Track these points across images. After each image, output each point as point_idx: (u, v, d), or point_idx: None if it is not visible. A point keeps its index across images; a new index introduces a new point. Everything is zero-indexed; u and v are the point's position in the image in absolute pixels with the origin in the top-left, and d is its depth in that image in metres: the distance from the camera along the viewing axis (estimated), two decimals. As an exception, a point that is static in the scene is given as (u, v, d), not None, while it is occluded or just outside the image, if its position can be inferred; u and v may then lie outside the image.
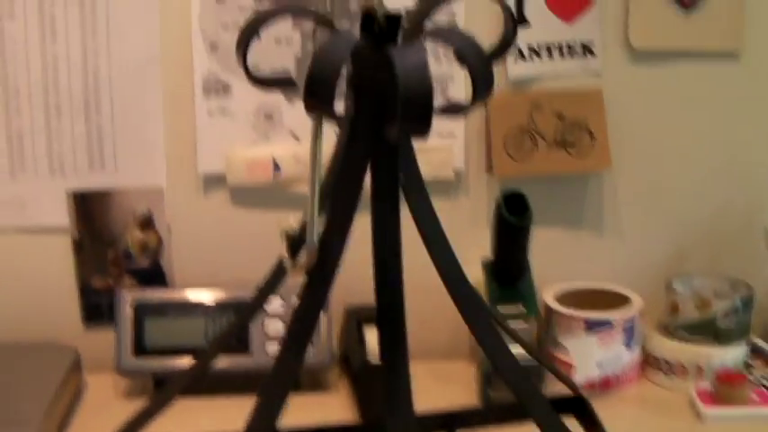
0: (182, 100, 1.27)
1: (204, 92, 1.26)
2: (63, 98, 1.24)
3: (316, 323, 0.79)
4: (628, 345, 1.26)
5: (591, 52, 1.30)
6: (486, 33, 1.22)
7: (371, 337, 1.26)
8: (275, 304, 1.24)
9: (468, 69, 0.70)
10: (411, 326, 0.81)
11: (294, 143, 1.29)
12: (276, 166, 1.29)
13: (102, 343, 1.30)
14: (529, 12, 1.28)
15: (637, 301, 1.29)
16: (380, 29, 0.77)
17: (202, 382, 1.20)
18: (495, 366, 0.79)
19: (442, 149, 1.32)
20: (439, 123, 1.30)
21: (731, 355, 1.27)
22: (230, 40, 1.24)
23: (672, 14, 1.30)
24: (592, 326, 1.25)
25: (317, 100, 0.69)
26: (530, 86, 1.32)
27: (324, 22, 0.77)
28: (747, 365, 1.30)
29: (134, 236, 1.31)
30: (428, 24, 0.79)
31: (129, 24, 1.24)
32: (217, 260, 1.34)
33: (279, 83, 0.79)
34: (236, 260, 1.34)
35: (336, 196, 0.79)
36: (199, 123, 1.27)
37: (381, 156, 0.78)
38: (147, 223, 1.30)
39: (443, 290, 0.79)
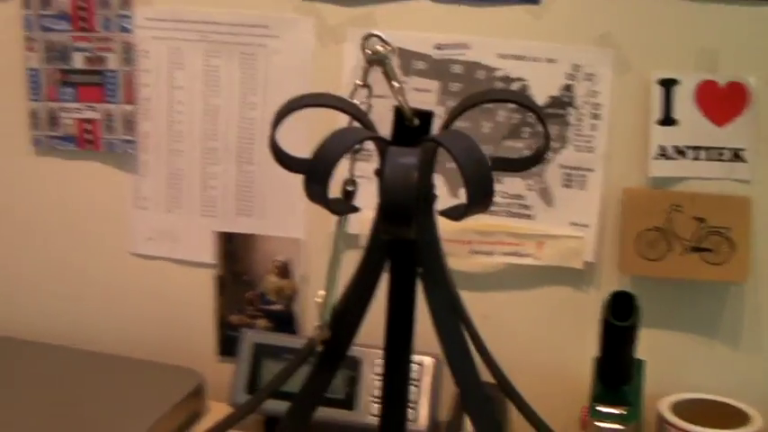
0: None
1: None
2: (220, 144, 1.35)
3: (320, 397, 0.83)
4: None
5: (741, 158, 1.25)
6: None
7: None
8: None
9: (463, 176, 0.71)
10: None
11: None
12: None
13: (231, 376, 1.39)
14: (678, 111, 1.25)
15: (757, 420, 1.22)
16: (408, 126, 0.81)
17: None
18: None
19: (574, 239, 1.31)
20: (573, 212, 1.30)
21: None
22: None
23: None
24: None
25: (314, 184, 0.73)
26: (671, 186, 1.28)
27: (359, 117, 0.81)
28: None
29: (271, 281, 1.39)
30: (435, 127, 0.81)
31: (286, 78, 1.34)
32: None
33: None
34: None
35: (356, 280, 0.83)
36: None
37: (399, 248, 0.81)
38: (283, 270, 1.39)
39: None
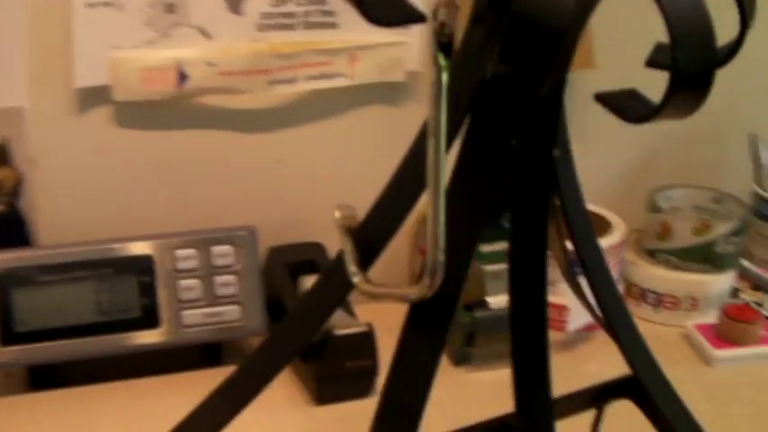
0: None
1: (82, -25, 0.90)
2: None
3: (436, 366, 0.52)
4: (617, 279, 1.07)
5: None
6: None
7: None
8: (190, 259, 0.93)
9: (671, 38, 0.42)
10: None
11: (204, 42, 0.96)
12: (181, 74, 0.96)
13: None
14: None
15: (619, 226, 1.09)
16: None
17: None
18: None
19: (394, 45, 1.03)
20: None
21: (726, 281, 1.10)
22: None
23: None
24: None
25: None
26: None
27: None
28: (735, 290, 1.14)
29: (-17, 173, 0.95)
30: None
31: None
32: (99, 202, 1.00)
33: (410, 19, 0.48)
34: (124, 200, 1.01)
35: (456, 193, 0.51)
36: (75, 18, 0.91)
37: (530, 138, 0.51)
38: (0, 156, 0.95)
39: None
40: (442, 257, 0.48)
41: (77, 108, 0.95)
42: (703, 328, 1.07)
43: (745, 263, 1.16)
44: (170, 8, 0.94)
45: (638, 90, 0.46)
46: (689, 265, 1.09)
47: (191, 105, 0.98)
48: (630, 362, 0.59)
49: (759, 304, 1.11)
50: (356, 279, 0.52)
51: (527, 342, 0.57)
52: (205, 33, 0.96)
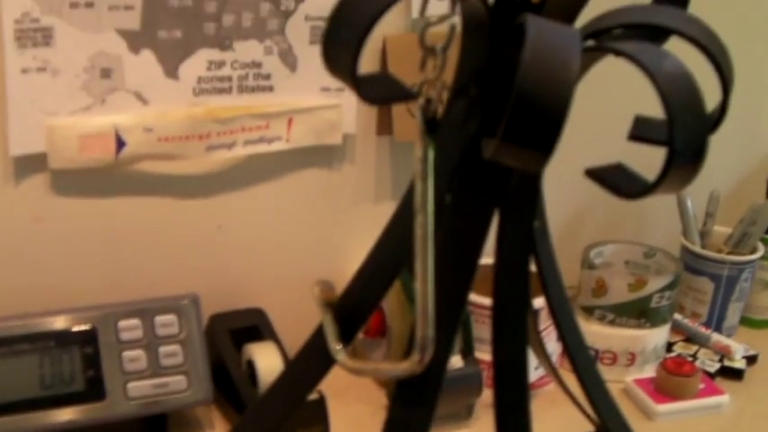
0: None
1: (17, 41, 0.87)
2: None
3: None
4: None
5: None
6: None
7: (262, 361, 0.96)
8: (134, 329, 0.91)
9: (668, 120, 0.43)
10: None
11: (141, 107, 0.94)
12: (119, 140, 0.94)
13: None
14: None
15: (556, 281, 1.10)
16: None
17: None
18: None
19: (329, 108, 1.03)
20: (324, 75, 1.02)
21: (662, 335, 1.12)
22: (52, -36, 0.87)
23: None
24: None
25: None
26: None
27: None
28: (669, 344, 1.16)
29: None
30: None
31: None
32: (38, 272, 0.97)
33: (400, 97, 0.48)
34: (64, 270, 0.98)
35: (446, 257, 0.51)
36: (9, 85, 0.88)
37: (518, 193, 0.51)
38: (-71, 228, 0.91)
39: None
40: (432, 333, 0.48)
41: (13, 176, 0.92)
42: (642, 383, 1.08)
43: (678, 316, 1.18)
44: (106, 73, 0.92)
45: (624, 163, 0.46)
46: (625, 320, 1.10)
47: (129, 172, 0.96)
48: (602, 418, 0.60)
49: (694, 357, 1.14)
50: (340, 356, 0.51)
51: (511, 398, 0.57)
52: (142, 98, 0.94)
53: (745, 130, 1.34)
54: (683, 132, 0.40)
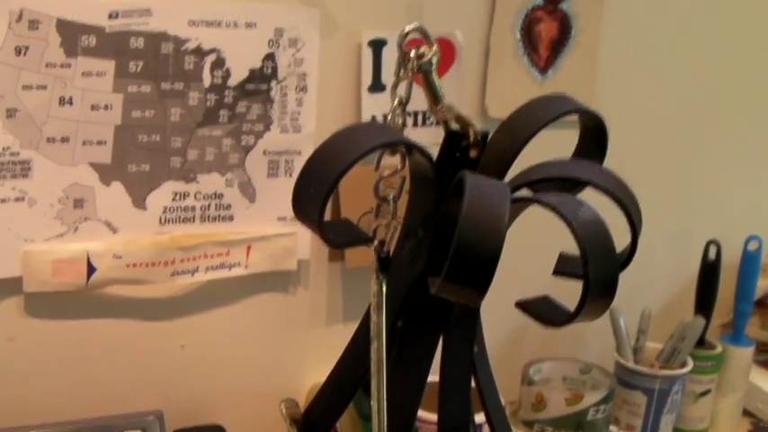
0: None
1: (-3, 174, 0.95)
2: None
3: None
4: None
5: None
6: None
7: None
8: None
9: (584, 266, 0.52)
10: None
11: (111, 235, 1.01)
12: (90, 266, 1.00)
13: None
14: (389, 75, 1.11)
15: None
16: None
17: None
18: None
19: (285, 236, 1.10)
20: (280, 206, 1.10)
21: (598, 448, 1.19)
22: (33, 104, 0.94)
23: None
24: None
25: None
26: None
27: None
28: (605, 455, 1.23)
29: None
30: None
31: None
32: (9, 390, 1.02)
33: (358, 242, 0.56)
34: (34, 387, 1.03)
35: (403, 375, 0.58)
36: (-12, 215, 0.95)
37: (461, 320, 0.58)
38: None
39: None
40: (386, 446, 0.54)
41: (-14, 300, 0.99)
42: (581, 495, 1.14)
43: (613, 428, 1.25)
44: (79, 203, 0.99)
45: (550, 296, 0.54)
46: (562, 433, 1.17)
47: (98, 295, 1.02)
48: None
49: (628, 467, 1.21)
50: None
51: None
52: (112, 227, 1.01)
53: (674, 252, 1.44)
54: (596, 271, 0.48)
